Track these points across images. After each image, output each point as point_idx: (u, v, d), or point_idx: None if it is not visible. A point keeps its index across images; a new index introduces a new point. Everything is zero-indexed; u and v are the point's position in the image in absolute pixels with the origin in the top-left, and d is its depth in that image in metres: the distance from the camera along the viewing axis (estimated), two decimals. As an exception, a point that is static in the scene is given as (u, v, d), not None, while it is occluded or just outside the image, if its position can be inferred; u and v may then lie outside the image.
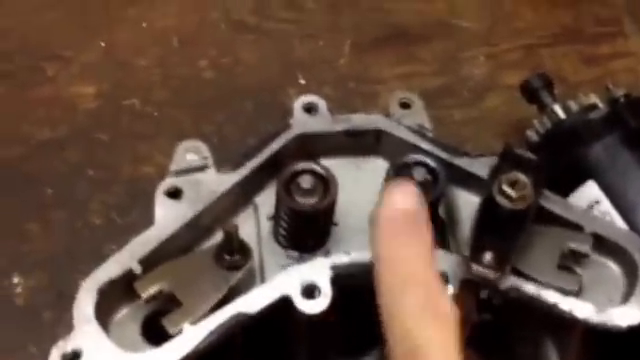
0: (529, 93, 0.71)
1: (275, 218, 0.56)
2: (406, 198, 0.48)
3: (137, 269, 0.52)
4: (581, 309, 0.53)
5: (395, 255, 0.46)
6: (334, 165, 0.57)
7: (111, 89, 0.77)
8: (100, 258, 0.53)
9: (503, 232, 0.52)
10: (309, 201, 0.54)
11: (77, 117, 0.76)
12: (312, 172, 0.54)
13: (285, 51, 0.80)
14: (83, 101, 0.77)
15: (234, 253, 0.53)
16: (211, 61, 0.79)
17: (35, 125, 0.75)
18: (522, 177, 0.52)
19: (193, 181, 0.56)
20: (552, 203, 0.57)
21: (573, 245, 0.55)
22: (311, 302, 0.51)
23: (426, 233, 0.47)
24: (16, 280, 0.67)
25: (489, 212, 0.52)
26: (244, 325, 0.52)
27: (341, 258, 0.53)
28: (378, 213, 0.47)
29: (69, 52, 0.79)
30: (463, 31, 0.82)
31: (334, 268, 0.52)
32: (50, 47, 0.79)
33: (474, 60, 0.80)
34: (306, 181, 0.54)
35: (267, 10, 0.83)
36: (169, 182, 0.56)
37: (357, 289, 0.53)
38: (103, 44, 0.80)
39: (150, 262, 0.53)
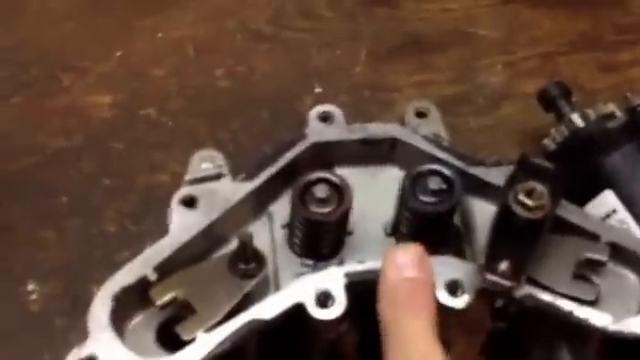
0: (546, 101, 0.71)
1: (290, 227, 0.56)
2: (408, 264, 0.50)
3: (152, 276, 0.52)
4: (598, 318, 0.52)
5: (396, 321, 0.49)
6: (349, 174, 0.57)
7: (127, 99, 0.77)
8: (114, 266, 0.53)
9: (519, 241, 0.51)
10: (324, 210, 0.54)
11: (93, 126, 0.76)
12: (327, 181, 0.54)
13: (301, 60, 0.80)
14: (99, 111, 0.77)
15: (248, 261, 0.52)
16: (227, 70, 0.79)
17: (51, 134, 0.75)
18: (539, 186, 0.52)
19: (208, 190, 0.56)
20: (568, 212, 0.56)
21: (590, 254, 0.55)
22: (325, 310, 0.51)
23: (425, 299, 0.50)
24: (31, 287, 0.67)
25: (505, 221, 0.52)
26: (259, 333, 0.52)
27: (355, 267, 0.52)
28: (382, 280, 0.50)
29: (85, 62, 0.79)
30: (480, 39, 0.82)
31: (348, 276, 0.52)
32: (66, 57, 0.80)
33: (491, 68, 0.79)
34: (321, 190, 0.53)
35: (283, 19, 0.83)
36: (184, 191, 0.56)
37: (371, 297, 0.53)
38: (119, 54, 0.80)
39: (165, 270, 0.52)
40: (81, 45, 0.80)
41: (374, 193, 0.58)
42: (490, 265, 0.51)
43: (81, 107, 0.77)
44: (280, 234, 0.56)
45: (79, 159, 0.74)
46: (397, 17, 0.83)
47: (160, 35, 0.81)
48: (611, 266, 0.55)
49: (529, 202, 0.51)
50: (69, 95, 0.78)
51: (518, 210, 0.51)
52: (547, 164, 0.54)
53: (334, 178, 0.54)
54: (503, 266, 0.51)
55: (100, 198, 0.72)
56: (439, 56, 0.80)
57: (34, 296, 0.67)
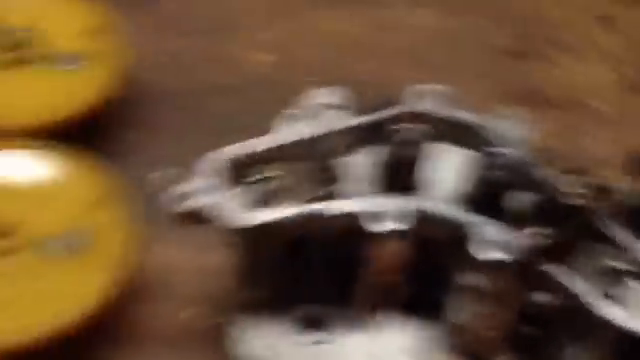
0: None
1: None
2: None
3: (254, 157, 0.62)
4: (615, 312, 0.57)
5: None
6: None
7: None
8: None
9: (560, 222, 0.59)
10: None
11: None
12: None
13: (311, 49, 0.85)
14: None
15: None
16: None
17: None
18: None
19: (315, 115, 0.65)
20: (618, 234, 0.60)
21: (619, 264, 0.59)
22: (378, 224, 0.59)
23: None
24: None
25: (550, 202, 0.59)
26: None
27: (428, 204, 0.60)
28: None
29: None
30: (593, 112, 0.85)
31: (418, 211, 0.60)
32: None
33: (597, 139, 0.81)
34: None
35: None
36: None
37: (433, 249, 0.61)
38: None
39: (266, 159, 0.63)
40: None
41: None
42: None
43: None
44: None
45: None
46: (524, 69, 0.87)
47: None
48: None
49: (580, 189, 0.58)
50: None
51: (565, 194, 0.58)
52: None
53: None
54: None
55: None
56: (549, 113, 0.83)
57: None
